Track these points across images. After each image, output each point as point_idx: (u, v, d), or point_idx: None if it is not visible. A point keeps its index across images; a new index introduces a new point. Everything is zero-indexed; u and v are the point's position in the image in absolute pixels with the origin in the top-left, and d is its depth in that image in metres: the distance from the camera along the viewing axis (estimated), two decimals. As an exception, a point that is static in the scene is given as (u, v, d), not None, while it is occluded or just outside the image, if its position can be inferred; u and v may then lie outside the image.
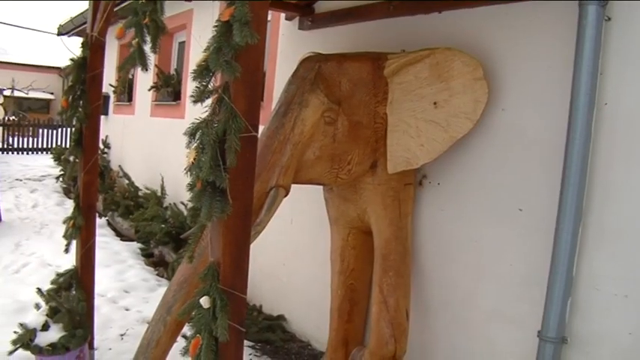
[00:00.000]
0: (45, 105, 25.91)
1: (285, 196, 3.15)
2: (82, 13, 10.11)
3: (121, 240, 7.56)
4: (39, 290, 3.60)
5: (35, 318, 3.51)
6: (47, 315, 3.50)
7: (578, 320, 2.66)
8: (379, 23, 3.94)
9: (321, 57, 3.39)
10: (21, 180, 11.86)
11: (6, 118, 19.17)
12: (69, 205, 9.40)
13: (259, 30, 1.91)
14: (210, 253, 2.16)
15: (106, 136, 11.22)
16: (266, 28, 2.03)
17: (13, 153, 17.74)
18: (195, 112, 2.10)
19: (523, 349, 2.87)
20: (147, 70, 2.63)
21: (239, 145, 1.91)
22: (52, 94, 25.50)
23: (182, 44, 8.22)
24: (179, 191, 7.18)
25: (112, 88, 10.71)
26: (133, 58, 2.64)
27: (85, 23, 3.81)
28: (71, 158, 3.94)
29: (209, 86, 1.96)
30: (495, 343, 3.08)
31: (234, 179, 1.98)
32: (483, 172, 3.19)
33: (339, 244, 3.81)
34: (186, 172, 2.00)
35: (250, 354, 4.34)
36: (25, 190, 10.64)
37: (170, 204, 7.36)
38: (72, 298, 3.61)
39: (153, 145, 8.63)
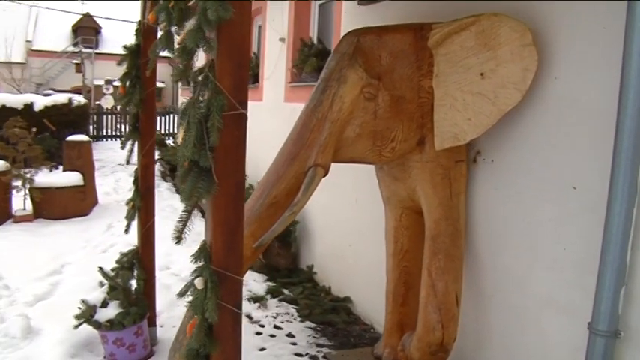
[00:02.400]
0: (156, 92, 27.32)
1: (325, 175, 3.06)
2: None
3: (206, 221, 7.78)
4: (101, 269, 3.77)
5: (98, 295, 3.70)
6: (107, 293, 3.67)
7: (633, 312, 2.35)
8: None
9: (361, 31, 3.26)
10: (123, 165, 12.57)
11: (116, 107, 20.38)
12: (163, 189, 9.88)
13: (241, 4, 1.82)
14: (204, 233, 2.13)
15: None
16: (250, 2, 1.93)
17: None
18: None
19: (575, 342, 2.59)
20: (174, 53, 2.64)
21: (221, 123, 1.84)
22: (162, 82, 26.90)
23: (261, 28, 8.28)
24: (258, 173, 7.26)
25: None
26: (162, 42, 2.65)
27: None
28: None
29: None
30: (547, 334, 2.82)
31: (223, 158, 1.93)
32: (536, 147, 2.91)
33: (392, 224, 3.69)
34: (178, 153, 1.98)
35: (309, 335, 4.33)
36: (125, 174, 11.26)
37: (249, 185, 7.47)
38: (127, 276, 3.74)
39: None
